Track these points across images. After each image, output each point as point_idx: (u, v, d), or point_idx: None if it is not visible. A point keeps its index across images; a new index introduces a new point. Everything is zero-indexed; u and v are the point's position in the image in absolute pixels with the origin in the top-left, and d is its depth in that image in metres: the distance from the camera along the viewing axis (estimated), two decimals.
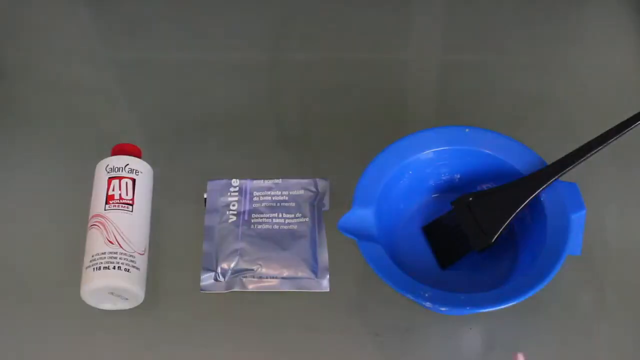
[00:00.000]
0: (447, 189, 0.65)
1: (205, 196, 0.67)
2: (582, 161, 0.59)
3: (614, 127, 0.59)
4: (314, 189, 0.68)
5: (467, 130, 0.62)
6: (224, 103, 0.77)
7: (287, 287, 0.63)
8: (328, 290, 0.63)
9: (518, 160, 0.61)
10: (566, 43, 0.82)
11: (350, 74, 0.79)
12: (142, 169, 0.66)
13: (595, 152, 0.59)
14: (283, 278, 0.63)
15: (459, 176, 0.64)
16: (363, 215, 0.58)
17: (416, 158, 0.62)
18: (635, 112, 0.60)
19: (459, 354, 0.61)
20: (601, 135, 0.59)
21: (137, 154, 0.67)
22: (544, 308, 0.62)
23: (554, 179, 0.58)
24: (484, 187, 0.63)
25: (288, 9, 0.84)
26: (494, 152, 0.61)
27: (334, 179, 0.69)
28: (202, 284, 0.64)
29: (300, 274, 0.63)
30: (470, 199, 0.59)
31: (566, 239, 0.56)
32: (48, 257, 0.66)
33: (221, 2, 0.85)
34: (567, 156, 0.59)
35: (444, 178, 0.64)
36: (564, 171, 0.58)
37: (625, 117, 0.60)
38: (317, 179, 0.68)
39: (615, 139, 0.59)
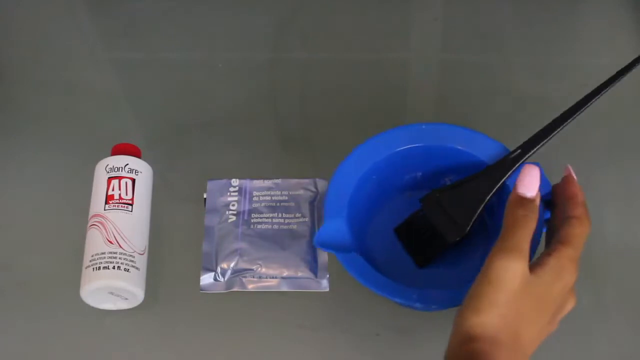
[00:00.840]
0: (414, 186, 0.65)
1: (205, 196, 0.67)
2: (544, 143, 0.59)
3: (572, 105, 0.59)
4: (313, 189, 0.68)
5: (423, 127, 0.62)
6: (224, 103, 0.77)
7: (286, 287, 0.63)
8: (328, 290, 0.63)
9: (480, 150, 0.61)
10: (566, 43, 0.82)
11: (350, 74, 0.79)
12: (142, 169, 0.66)
13: (556, 133, 0.59)
14: (283, 278, 0.63)
15: (420, 174, 0.64)
16: (336, 226, 0.58)
17: (377, 162, 0.62)
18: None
19: None
20: (561, 116, 0.59)
21: (137, 154, 0.67)
22: None
23: (519, 163, 0.58)
24: (447, 180, 0.64)
25: (288, 9, 0.84)
26: (454, 145, 0.62)
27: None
28: (202, 283, 0.64)
29: (299, 274, 0.63)
30: (438, 194, 0.59)
31: (540, 218, 0.55)
32: (48, 257, 0.66)
33: (221, 2, 0.85)
34: (529, 140, 0.59)
35: (408, 177, 0.64)
36: (528, 155, 0.58)
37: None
38: (317, 179, 0.68)
39: (574, 117, 0.59)
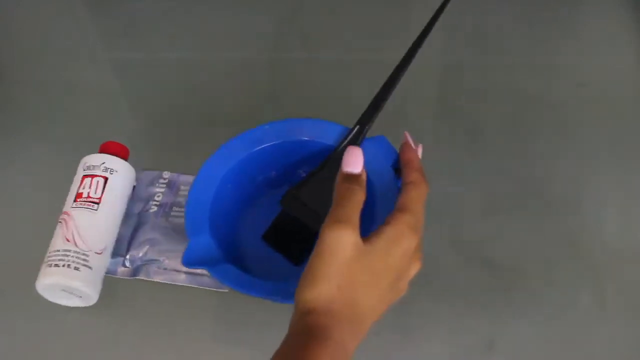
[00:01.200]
0: (275, 184, 0.65)
1: (134, 184, 0.68)
2: (377, 113, 0.59)
3: (395, 67, 0.60)
4: None
5: (266, 127, 0.62)
6: (224, 103, 0.77)
7: (189, 282, 0.63)
8: (227, 290, 0.63)
9: (326, 136, 0.61)
10: (566, 43, 0.82)
11: (350, 74, 0.79)
12: (119, 168, 0.65)
13: (386, 101, 0.59)
14: (186, 273, 0.64)
15: (274, 172, 0.64)
16: (201, 242, 0.58)
17: (229, 170, 0.61)
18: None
19: (458, 354, 0.61)
20: (388, 80, 0.59)
21: (120, 153, 0.66)
22: (544, 308, 0.62)
23: (360, 139, 0.58)
24: (302, 172, 0.64)
25: (288, 9, 0.84)
26: (299, 137, 0.62)
27: None
28: (110, 267, 0.64)
29: (200, 271, 0.64)
30: (294, 191, 0.58)
31: (394, 187, 0.56)
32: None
33: (221, 2, 0.85)
34: (364, 113, 0.59)
35: (262, 177, 0.64)
36: (367, 127, 0.58)
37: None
38: None
39: (399, 79, 0.59)
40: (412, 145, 0.55)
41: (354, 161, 0.50)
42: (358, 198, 0.48)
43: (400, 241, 0.47)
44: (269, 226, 0.62)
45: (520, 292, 0.63)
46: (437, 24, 0.62)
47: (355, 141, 0.58)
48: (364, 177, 0.50)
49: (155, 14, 0.85)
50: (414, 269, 0.50)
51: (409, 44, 0.60)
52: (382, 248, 0.47)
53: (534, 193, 0.69)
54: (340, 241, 0.45)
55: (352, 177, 0.50)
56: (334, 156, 0.58)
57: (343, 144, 0.58)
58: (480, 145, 0.72)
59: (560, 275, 0.64)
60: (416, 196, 0.50)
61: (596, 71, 0.78)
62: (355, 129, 0.59)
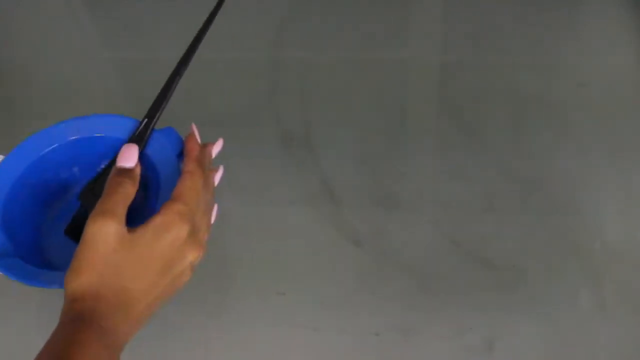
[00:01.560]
0: (77, 181, 0.65)
1: None
2: (164, 106, 0.60)
3: (180, 59, 0.62)
4: None
5: (62, 125, 0.62)
6: (224, 103, 0.77)
7: None
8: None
9: (119, 130, 0.61)
10: (566, 43, 0.82)
11: (350, 73, 0.79)
12: None
13: (173, 91, 0.61)
14: None
15: (77, 168, 0.64)
16: None
17: (26, 168, 0.61)
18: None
19: (458, 354, 0.61)
20: (168, 79, 0.61)
21: None
22: (544, 308, 0.62)
23: (149, 130, 0.59)
24: (103, 166, 0.63)
25: (288, 9, 0.84)
26: (93, 134, 0.62)
27: (335, 179, 0.69)
28: None
29: None
30: (92, 185, 0.59)
31: (177, 177, 0.56)
32: None
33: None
34: (150, 108, 0.60)
35: (66, 174, 0.64)
36: (155, 118, 0.59)
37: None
38: None
39: (181, 73, 0.61)
40: (197, 137, 0.58)
41: (127, 156, 0.54)
42: (127, 191, 0.51)
43: (169, 229, 0.49)
44: (70, 221, 0.62)
45: (520, 292, 0.63)
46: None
47: (144, 133, 0.59)
48: (137, 171, 0.53)
49: (155, 14, 0.85)
50: (192, 255, 0.51)
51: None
52: (149, 237, 0.49)
53: (534, 193, 0.69)
54: (103, 232, 0.48)
55: (123, 171, 0.53)
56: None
57: (132, 137, 0.59)
58: (480, 145, 0.72)
59: (560, 275, 0.64)
60: (190, 185, 0.52)
61: (596, 71, 0.78)
62: (144, 122, 0.60)
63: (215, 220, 0.56)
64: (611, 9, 0.83)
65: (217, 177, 0.57)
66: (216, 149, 0.59)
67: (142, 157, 0.58)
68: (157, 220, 0.49)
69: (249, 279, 0.65)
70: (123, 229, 0.48)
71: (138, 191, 0.54)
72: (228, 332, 0.63)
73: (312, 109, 0.77)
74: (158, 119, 0.59)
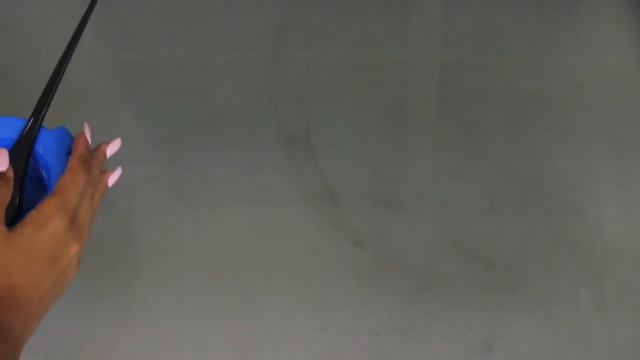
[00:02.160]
0: None
1: None
2: (50, 101, 0.60)
3: (57, 63, 0.62)
4: None
5: None
6: (224, 103, 0.77)
7: None
8: None
9: (10, 130, 0.60)
10: (566, 43, 0.82)
11: (350, 74, 0.79)
12: None
13: (55, 91, 0.61)
14: None
15: None
16: None
17: None
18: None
19: (458, 354, 0.61)
20: (50, 78, 0.62)
21: None
22: (544, 308, 0.62)
23: (36, 129, 0.59)
24: None
25: (288, 9, 0.84)
26: None
27: (335, 179, 0.69)
28: None
29: None
30: None
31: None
32: None
33: (221, 2, 0.85)
34: (35, 108, 0.60)
35: None
36: (41, 117, 0.60)
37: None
38: None
39: (62, 72, 0.62)
40: (87, 135, 0.59)
41: None
42: (1, 192, 0.52)
43: (48, 222, 0.51)
44: None
45: (520, 292, 0.63)
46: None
47: (32, 132, 0.59)
48: (10, 174, 0.54)
49: (155, 14, 0.85)
50: (74, 246, 0.52)
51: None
52: (29, 231, 0.50)
53: (534, 193, 0.69)
54: None
55: None
56: (15, 148, 0.59)
57: (21, 136, 0.59)
58: (480, 145, 0.72)
59: (560, 275, 0.64)
60: (70, 180, 0.54)
61: (596, 71, 0.78)
62: (31, 121, 0.60)
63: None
64: (611, 9, 0.83)
65: (113, 178, 0.59)
66: (112, 148, 0.60)
67: (35, 156, 0.59)
68: (34, 215, 0.51)
69: (249, 279, 0.65)
70: (2, 228, 0.50)
71: (36, 190, 0.56)
72: (228, 331, 0.63)
73: (312, 109, 0.77)
74: (43, 118, 0.60)
